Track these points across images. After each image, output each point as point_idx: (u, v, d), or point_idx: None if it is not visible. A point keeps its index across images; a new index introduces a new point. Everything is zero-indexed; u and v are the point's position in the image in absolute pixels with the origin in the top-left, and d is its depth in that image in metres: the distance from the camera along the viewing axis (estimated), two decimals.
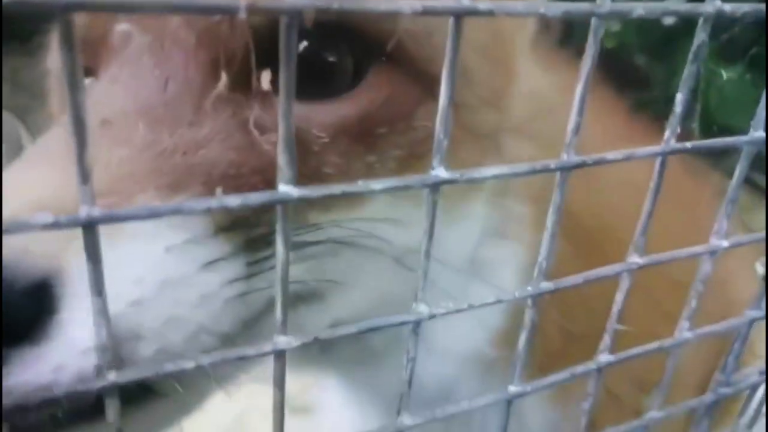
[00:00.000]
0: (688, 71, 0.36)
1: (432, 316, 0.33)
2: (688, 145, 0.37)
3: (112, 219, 0.24)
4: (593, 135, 0.43)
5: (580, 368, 0.43)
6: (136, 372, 0.28)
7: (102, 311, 0.26)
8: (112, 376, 0.27)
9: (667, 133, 0.37)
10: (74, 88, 0.22)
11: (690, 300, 0.45)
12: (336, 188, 0.29)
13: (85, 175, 0.23)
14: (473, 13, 0.28)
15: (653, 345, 0.45)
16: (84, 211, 0.24)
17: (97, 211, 0.24)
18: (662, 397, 0.49)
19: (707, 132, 1.99)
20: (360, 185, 0.29)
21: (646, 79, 3.12)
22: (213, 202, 0.26)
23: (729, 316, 0.50)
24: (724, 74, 2.06)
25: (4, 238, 0.21)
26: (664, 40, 2.99)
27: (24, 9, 0.22)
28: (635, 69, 3.17)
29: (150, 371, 0.28)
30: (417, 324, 0.33)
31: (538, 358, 0.54)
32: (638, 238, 0.40)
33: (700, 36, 0.35)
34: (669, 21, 2.81)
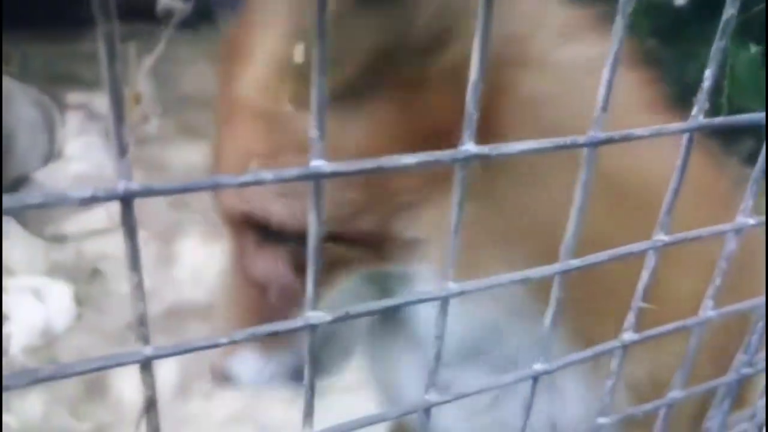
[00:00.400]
0: (716, 46, 0.35)
1: (461, 293, 0.33)
2: (716, 120, 0.37)
3: (149, 193, 0.24)
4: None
5: (605, 346, 0.43)
6: (171, 348, 0.28)
7: (138, 285, 0.26)
8: (148, 351, 0.27)
9: (695, 109, 0.36)
10: (111, 61, 0.22)
11: (714, 278, 0.45)
12: (369, 163, 0.29)
13: (122, 150, 0.23)
14: None
15: (677, 323, 0.44)
16: (122, 185, 0.24)
17: (134, 185, 0.24)
18: (684, 377, 0.49)
19: (731, 110, 1.97)
20: (392, 159, 0.29)
21: (657, 61, 3.09)
22: (248, 177, 0.26)
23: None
24: (752, 48, 2.02)
25: (47, 210, 0.21)
26: (675, 23, 2.96)
27: None
28: (646, 52, 3.15)
29: (184, 348, 0.28)
30: (446, 300, 0.33)
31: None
32: (664, 216, 0.40)
33: (729, 11, 0.35)
34: (680, 2, 2.78)
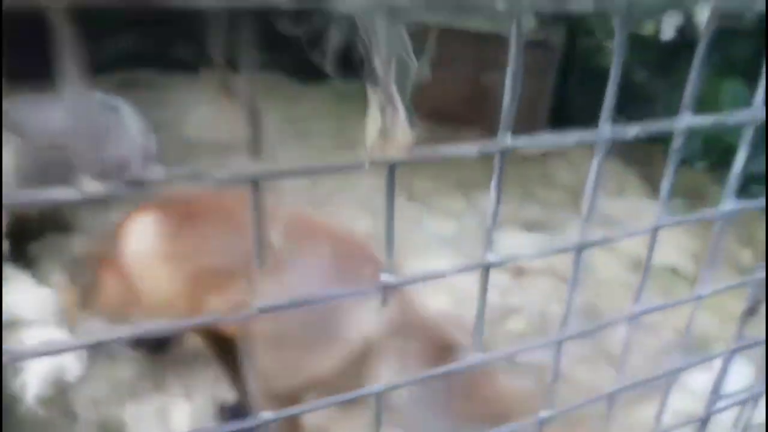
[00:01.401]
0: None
1: None
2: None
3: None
4: None
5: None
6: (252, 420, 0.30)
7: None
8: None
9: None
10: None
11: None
12: (420, 275, 0.31)
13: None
14: None
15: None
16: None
17: None
18: None
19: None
20: (436, 271, 0.31)
21: (647, 95, 3.15)
22: (318, 297, 0.27)
23: None
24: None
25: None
26: (665, 56, 3.01)
27: None
28: (635, 85, 3.22)
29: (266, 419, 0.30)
30: None
31: None
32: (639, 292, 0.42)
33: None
34: (667, 36, 2.84)
